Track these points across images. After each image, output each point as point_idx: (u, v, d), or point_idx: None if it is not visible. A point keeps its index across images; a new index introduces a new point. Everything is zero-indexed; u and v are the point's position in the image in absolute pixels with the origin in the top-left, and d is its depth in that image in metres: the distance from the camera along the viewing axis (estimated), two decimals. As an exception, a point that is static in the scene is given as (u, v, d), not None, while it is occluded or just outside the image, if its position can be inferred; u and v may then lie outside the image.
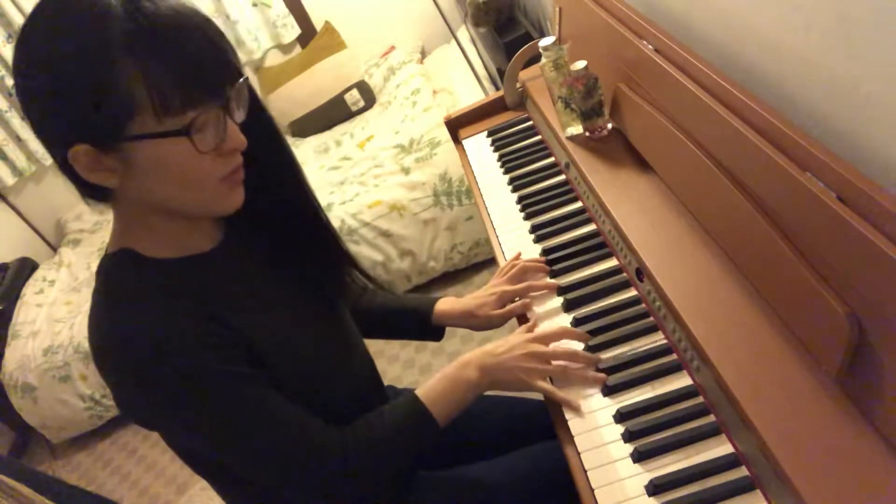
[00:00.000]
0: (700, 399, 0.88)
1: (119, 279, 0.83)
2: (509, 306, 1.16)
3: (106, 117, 0.72)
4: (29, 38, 0.74)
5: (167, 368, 0.78)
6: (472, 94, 2.72)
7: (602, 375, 0.96)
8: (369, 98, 3.23)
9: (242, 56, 3.37)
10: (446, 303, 1.19)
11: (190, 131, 0.74)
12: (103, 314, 0.82)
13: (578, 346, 1.02)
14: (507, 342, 1.00)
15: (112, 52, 0.70)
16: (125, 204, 0.83)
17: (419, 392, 0.96)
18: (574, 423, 0.93)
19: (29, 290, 3.14)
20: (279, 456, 0.85)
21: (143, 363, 0.78)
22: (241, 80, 0.79)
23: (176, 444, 0.92)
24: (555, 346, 1.01)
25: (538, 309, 1.13)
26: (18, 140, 3.37)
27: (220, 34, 0.77)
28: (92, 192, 0.81)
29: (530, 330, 1.04)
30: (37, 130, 0.77)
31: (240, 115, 0.80)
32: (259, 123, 0.86)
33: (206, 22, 0.76)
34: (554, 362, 0.98)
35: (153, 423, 0.88)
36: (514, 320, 1.17)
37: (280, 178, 0.94)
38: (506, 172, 1.47)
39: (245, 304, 0.88)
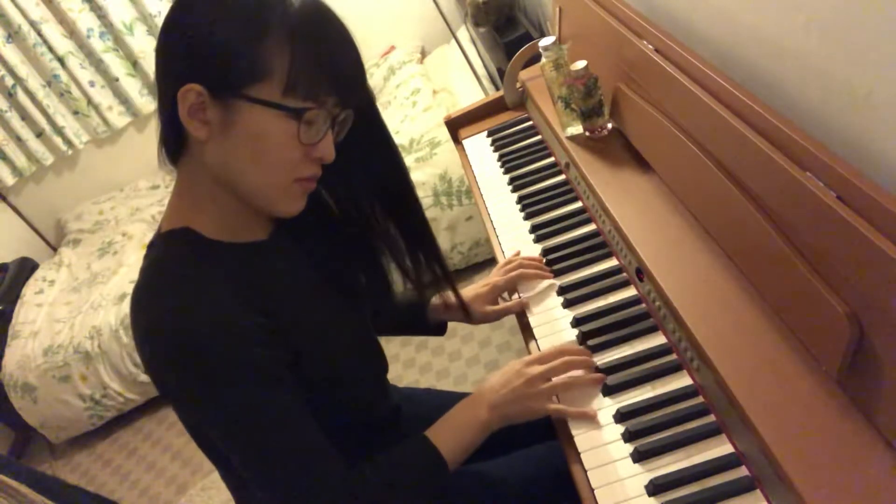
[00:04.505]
0: (700, 399, 0.88)
1: (179, 258, 0.84)
2: (503, 304, 1.17)
3: (237, 69, 0.77)
4: None
5: (213, 354, 0.78)
6: (472, 94, 2.71)
7: (601, 375, 0.96)
8: (369, 98, 3.23)
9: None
10: (440, 297, 1.21)
11: (301, 116, 0.79)
12: (158, 289, 0.82)
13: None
14: (504, 376, 0.97)
15: (274, 19, 0.77)
16: (195, 170, 0.84)
17: (429, 433, 0.94)
18: (574, 423, 0.93)
19: (29, 290, 3.13)
20: (288, 471, 0.84)
21: (190, 344, 0.78)
22: (350, 113, 0.86)
23: (191, 424, 0.91)
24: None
25: (536, 309, 1.13)
26: (18, 140, 3.36)
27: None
28: (173, 142, 0.83)
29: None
30: (163, 59, 0.81)
31: (338, 136, 0.87)
32: (373, 128, 0.97)
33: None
34: (554, 379, 0.96)
35: (176, 401, 0.87)
36: (514, 320, 1.17)
37: (387, 181, 1.02)
38: (506, 172, 1.47)
39: (290, 299, 0.90)
